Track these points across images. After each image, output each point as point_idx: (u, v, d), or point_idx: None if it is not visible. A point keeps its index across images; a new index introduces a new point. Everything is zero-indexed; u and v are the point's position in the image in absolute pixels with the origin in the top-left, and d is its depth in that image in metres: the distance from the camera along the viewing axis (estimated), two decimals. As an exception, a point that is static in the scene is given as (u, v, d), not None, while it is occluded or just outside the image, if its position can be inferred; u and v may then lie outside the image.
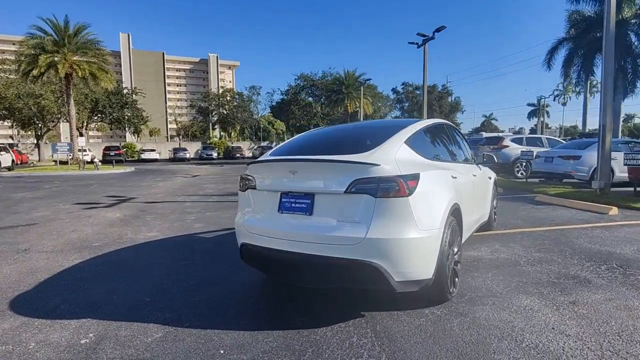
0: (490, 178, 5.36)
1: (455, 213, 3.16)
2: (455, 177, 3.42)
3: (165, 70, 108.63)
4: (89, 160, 25.69)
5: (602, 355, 2.25)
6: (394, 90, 58.12)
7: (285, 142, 3.71)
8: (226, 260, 4.35)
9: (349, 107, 37.70)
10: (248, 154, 46.19)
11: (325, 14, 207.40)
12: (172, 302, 3.16)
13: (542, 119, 74.12)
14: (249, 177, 3.12)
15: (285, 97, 48.59)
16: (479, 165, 4.84)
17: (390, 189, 2.52)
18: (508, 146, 13.55)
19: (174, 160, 38.28)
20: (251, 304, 3.11)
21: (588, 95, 39.45)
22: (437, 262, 2.71)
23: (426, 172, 2.80)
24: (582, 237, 5.03)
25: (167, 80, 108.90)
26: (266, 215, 2.97)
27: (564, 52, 27.63)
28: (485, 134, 26.52)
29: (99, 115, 38.39)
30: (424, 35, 18.78)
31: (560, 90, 71.98)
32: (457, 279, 3.18)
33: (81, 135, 32.40)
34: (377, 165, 2.58)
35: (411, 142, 3.08)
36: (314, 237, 2.64)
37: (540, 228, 5.67)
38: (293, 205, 2.79)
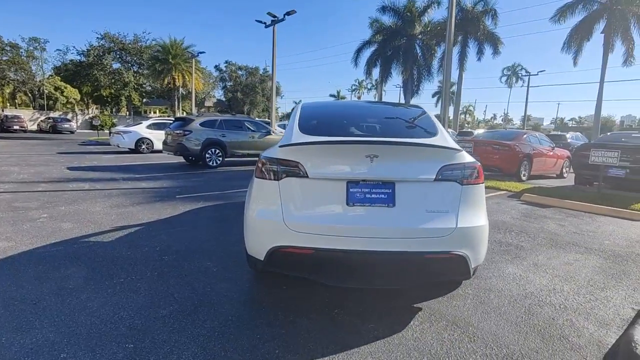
0: None
1: None
2: None
3: None
4: None
5: (602, 302, 2.89)
6: (217, 67, 55.67)
7: (300, 118, 2.96)
8: (182, 270, 3.31)
9: (177, 80, 33.47)
10: (32, 126, 35.44)
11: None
12: (193, 336, 2.19)
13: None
14: (290, 163, 2.42)
15: (86, 59, 39.05)
16: None
17: (473, 175, 2.46)
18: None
19: None
20: (299, 323, 2.49)
21: (383, 92, 48.20)
22: None
23: None
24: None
25: None
26: (325, 209, 2.39)
27: (368, 54, 32.69)
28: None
29: None
30: (274, 17, 18.62)
31: (356, 85, 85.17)
32: None
33: None
34: (460, 150, 2.46)
35: None
36: (398, 231, 2.32)
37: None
38: (368, 196, 2.35)
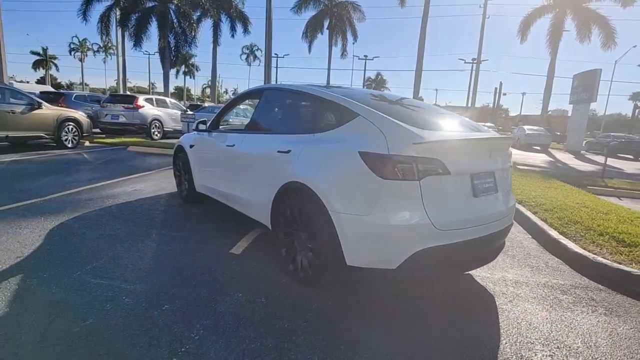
0: None
1: None
2: None
3: None
4: None
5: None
6: None
7: (383, 110, 2.59)
8: (222, 316, 2.35)
9: None
10: None
11: None
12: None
13: (49, 71, 67.83)
14: (433, 161, 2.27)
15: None
16: None
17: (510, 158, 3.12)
18: (144, 106, 12.90)
19: None
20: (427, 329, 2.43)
21: (120, 56, 38.96)
22: None
23: None
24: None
25: None
26: (461, 203, 2.45)
27: (103, 8, 27.79)
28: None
29: None
30: None
31: (76, 45, 68.77)
32: None
33: None
34: (509, 139, 3.04)
35: None
36: (502, 212, 2.72)
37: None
38: (485, 186, 2.62)
